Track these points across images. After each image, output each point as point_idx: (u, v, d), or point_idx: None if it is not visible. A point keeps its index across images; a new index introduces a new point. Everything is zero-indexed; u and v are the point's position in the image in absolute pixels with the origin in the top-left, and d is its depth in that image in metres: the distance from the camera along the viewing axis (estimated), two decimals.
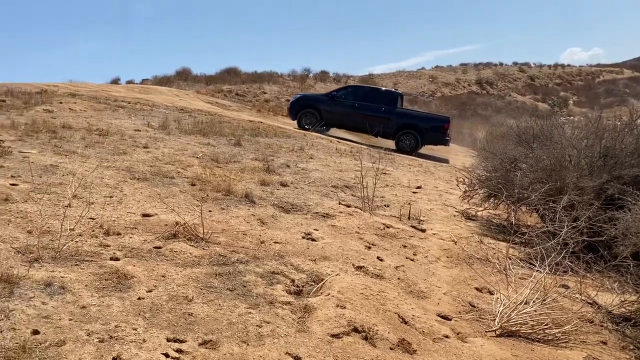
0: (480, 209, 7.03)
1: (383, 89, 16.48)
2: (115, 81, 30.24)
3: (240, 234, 4.74)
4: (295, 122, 15.96)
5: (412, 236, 5.60)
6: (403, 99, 16.72)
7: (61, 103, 11.48)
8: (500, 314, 3.90)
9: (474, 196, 7.22)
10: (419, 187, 8.32)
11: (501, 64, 52.80)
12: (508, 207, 6.72)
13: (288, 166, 8.12)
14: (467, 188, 7.36)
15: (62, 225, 3.98)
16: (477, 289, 4.56)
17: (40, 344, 2.62)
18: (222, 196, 5.82)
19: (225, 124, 12.34)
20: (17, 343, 2.58)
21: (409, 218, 6.23)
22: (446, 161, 14.78)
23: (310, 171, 7.93)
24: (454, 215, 6.85)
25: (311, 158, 9.21)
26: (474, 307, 4.19)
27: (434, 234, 5.84)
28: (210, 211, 5.25)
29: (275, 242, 4.64)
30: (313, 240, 4.87)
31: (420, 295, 4.20)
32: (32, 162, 6.00)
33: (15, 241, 3.79)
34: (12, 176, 5.32)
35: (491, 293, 4.48)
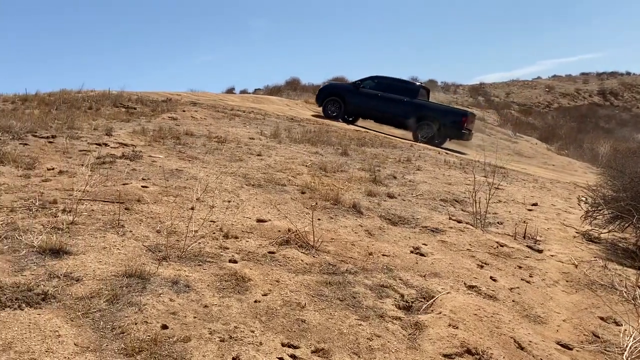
0: (605, 231, 6.51)
1: (405, 80, 16.64)
2: (230, 90, 31.98)
3: (348, 244, 4.79)
4: (321, 109, 16.79)
5: (527, 257, 5.31)
6: (429, 93, 17.07)
7: (184, 111, 12.34)
8: (630, 348, 3.58)
9: (598, 217, 6.70)
10: (534, 205, 7.89)
11: (628, 74, 48.63)
12: (637, 231, 6.16)
13: (395, 177, 8.08)
14: (589, 208, 6.84)
15: (187, 227, 4.27)
16: (601, 318, 4.22)
17: (169, 338, 2.82)
18: (330, 205, 5.92)
19: (332, 133, 12.55)
20: (149, 336, 2.80)
21: (524, 237, 5.93)
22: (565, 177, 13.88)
23: (418, 183, 7.82)
24: (574, 237, 6.40)
25: (418, 170, 9.08)
26: (598, 337, 3.88)
27: (552, 256, 5.50)
28: (319, 219, 5.35)
29: (383, 255, 4.63)
30: (422, 255, 4.79)
31: (537, 320, 3.97)
32: (160, 166, 6.51)
33: (146, 239, 4.14)
34: (143, 179, 5.81)
35: (618, 324, 4.13)
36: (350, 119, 17.21)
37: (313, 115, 16.94)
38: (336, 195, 6.11)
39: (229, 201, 5.54)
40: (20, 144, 6.82)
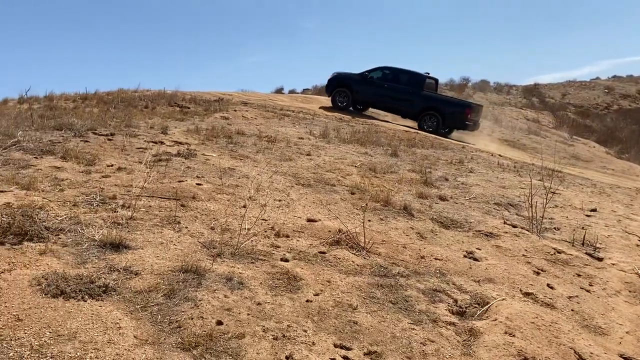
0: None
1: (411, 71, 16.73)
2: (279, 91, 32.28)
3: (400, 246, 4.74)
4: (330, 99, 17.39)
5: (586, 265, 5.11)
6: (438, 84, 17.48)
7: (235, 111, 12.56)
8: None
9: None
10: (593, 210, 7.57)
11: None
12: None
13: (446, 179, 7.94)
14: None
15: (240, 225, 4.34)
16: None
17: (224, 334, 2.87)
18: (380, 206, 5.88)
19: (381, 133, 12.47)
20: (204, 331, 2.86)
21: (582, 244, 5.70)
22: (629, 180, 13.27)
23: (471, 186, 7.66)
24: (637, 245, 6.11)
25: (471, 172, 8.89)
26: None
27: (613, 264, 5.26)
28: (369, 221, 5.32)
29: (435, 259, 4.56)
30: (475, 260, 4.68)
31: (597, 331, 3.81)
32: (213, 165, 6.64)
33: (201, 236, 4.23)
34: (197, 177, 5.94)
35: None
36: (360, 107, 17.75)
37: (362, 115, 16.90)
38: (386, 197, 6.06)
39: (280, 200, 5.59)
40: (81, 141, 7.11)
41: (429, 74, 16.92)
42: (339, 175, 7.25)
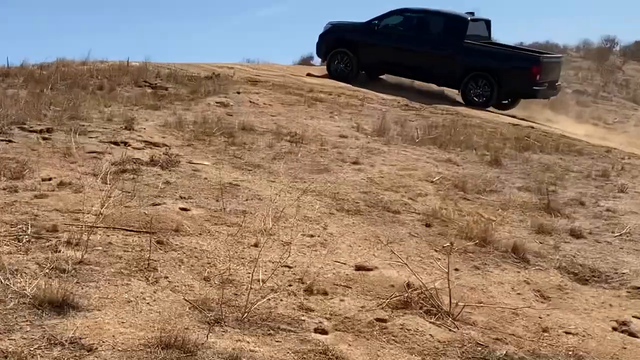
0: None
1: (446, 12, 17.36)
2: (307, 61, 32.37)
3: (507, 312, 4.71)
4: (325, 66, 18.03)
5: None
6: (490, 29, 17.79)
7: (238, 93, 12.71)
8: None
9: None
10: None
11: None
12: None
13: (582, 203, 7.85)
14: None
15: (250, 274, 4.38)
16: None
17: None
18: (474, 247, 5.85)
19: (473, 128, 12.41)
20: None
21: None
22: None
23: (623, 214, 7.54)
24: None
25: (622, 191, 8.75)
26: None
27: None
28: (456, 270, 5.30)
29: (566, 333, 4.53)
30: (633, 335, 4.62)
31: None
32: (206, 179, 6.73)
33: (190, 291, 4.28)
34: (181, 197, 6.03)
35: None
36: (363, 72, 17.87)
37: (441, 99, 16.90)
38: (484, 232, 6.04)
39: (312, 235, 5.63)
40: (2, 140, 7.29)
41: (473, 14, 17.16)
42: (406, 195, 7.25)
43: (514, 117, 16.09)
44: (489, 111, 16.47)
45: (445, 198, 7.32)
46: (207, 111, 10.55)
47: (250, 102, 12.15)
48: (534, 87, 15.76)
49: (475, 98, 16.09)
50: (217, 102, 11.56)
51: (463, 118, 13.82)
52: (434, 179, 8.07)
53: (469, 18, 16.91)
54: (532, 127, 14.30)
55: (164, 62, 15.80)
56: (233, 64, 17.94)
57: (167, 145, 7.92)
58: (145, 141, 8.03)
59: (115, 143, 7.77)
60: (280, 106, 12.23)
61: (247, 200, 6.28)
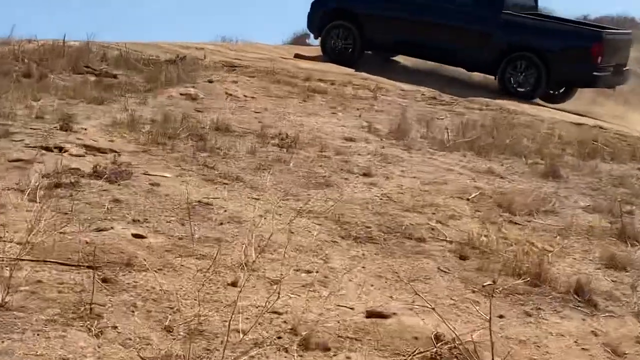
0: None
1: None
2: (301, 39, 32.42)
3: None
4: (319, 44, 18.50)
5: None
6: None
7: (211, 82, 12.70)
8: None
9: None
10: None
11: None
12: None
13: None
14: None
15: (227, 323, 4.35)
16: None
17: None
18: (524, 286, 5.84)
19: (522, 128, 12.41)
20: None
21: None
22: None
23: None
24: None
25: None
26: None
27: None
28: (501, 317, 5.29)
29: None
30: None
31: None
32: (167, 196, 6.71)
33: (146, 345, 4.25)
34: (135, 220, 6.01)
35: None
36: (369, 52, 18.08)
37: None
38: (538, 266, 6.01)
39: (309, 271, 5.60)
40: None
41: None
42: (434, 218, 7.25)
43: (577, 114, 16.06)
44: (542, 106, 16.45)
45: (485, 221, 7.31)
46: (169, 106, 10.56)
47: (227, 93, 12.14)
48: (594, 73, 15.82)
49: (517, 87, 16.21)
50: (182, 94, 11.54)
51: (509, 115, 13.82)
52: (471, 196, 8.08)
53: None
54: (601, 127, 14.28)
55: (113, 42, 15.78)
56: (204, 44, 17.94)
57: (115, 152, 7.90)
58: (86, 146, 8.00)
59: (48, 148, 7.74)
60: (266, 99, 12.23)
61: (222, 224, 6.25)
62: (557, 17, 18.94)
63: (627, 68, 17.12)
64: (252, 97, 12.18)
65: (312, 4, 18.20)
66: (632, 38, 18.00)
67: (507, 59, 16.27)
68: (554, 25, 17.26)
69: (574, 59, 16.01)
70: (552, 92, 16.65)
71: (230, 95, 12.08)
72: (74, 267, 5.04)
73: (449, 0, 16.89)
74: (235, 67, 14.67)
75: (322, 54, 18.02)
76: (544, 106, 16.53)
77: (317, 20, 18.07)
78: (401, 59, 18.57)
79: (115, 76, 12.26)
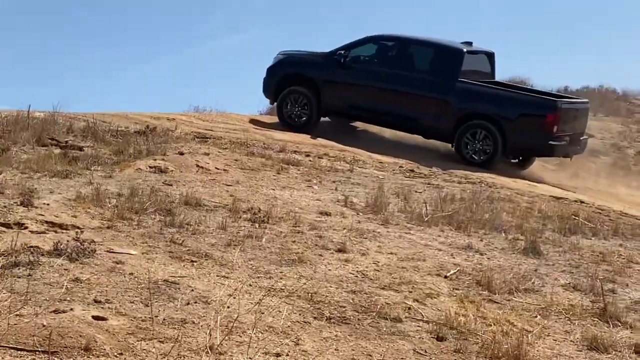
0: None
1: (435, 42, 17.87)
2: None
3: None
4: (276, 111, 18.88)
5: None
6: (493, 62, 18.64)
7: (181, 154, 12.68)
8: None
9: None
10: None
11: None
12: None
13: None
14: None
15: None
16: None
17: None
18: None
19: (502, 202, 12.49)
20: None
21: None
22: None
23: None
24: None
25: None
26: None
27: None
28: None
29: None
30: None
31: None
32: (132, 275, 6.60)
33: None
34: (96, 301, 5.87)
35: None
36: (325, 118, 18.50)
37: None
38: (516, 349, 5.95)
39: (278, 355, 5.48)
40: None
41: (470, 44, 17.69)
42: (411, 296, 7.22)
43: (558, 187, 16.17)
44: (523, 179, 16.58)
45: (463, 300, 7.26)
46: (137, 179, 10.51)
47: (198, 166, 12.13)
48: (550, 142, 16.19)
49: (473, 155, 16.54)
50: (151, 167, 11.52)
51: (489, 189, 13.94)
52: (449, 273, 8.05)
53: (465, 49, 17.36)
54: (582, 202, 14.38)
55: (80, 113, 15.90)
56: (176, 115, 18.04)
57: (78, 228, 7.78)
58: (48, 222, 7.90)
59: (6, 225, 7.64)
60: (239, 172, 12.25)
61: (188, 304, 6.13)
62: (514, 85, 19.45)
63: (584, 137, 17.56)
64: (224, 170, 12.18)
65: (268, 69, 18.52)
66: (589, 107, 18.50)
67: (463, 126, 16.62)
68: (510, 94, 17.63)
69: (530, 128, 16.42)
70: (509, 160, 17.01)
71: (202, 167, 12.07)
72: (29, 352, 4.89)
73: (406, 67, 17.21)
74: (208, 138, 14.74)
75: (278, 119, 18.32)
76: (527, 180, 16.69)
77: (273, 86, 18.33)
78: (381, 131, 18.70)
79: (81, 148, 12.20)
